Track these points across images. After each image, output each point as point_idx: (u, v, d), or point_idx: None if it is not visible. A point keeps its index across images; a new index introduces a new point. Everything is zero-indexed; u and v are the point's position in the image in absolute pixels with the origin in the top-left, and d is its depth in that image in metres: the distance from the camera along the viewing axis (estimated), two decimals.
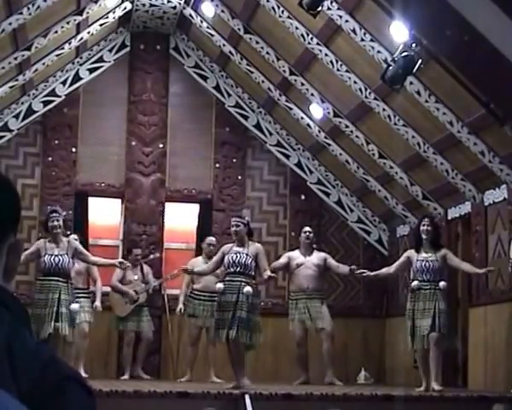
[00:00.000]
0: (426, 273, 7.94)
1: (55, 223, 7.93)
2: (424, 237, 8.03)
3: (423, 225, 8.10)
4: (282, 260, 9.52)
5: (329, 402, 6.75)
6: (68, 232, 8.67)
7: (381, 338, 11.12)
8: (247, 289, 7.56)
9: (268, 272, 7.72)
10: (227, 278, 7.71)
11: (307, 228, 9.68)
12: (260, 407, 6.58)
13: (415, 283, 7.98)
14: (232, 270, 7.68)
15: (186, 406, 6.68)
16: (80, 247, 8.21)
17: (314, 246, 9.58)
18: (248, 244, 7.82)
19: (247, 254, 7.70)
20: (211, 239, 9.89)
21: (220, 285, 7.71)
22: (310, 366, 9.49)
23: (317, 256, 9.49)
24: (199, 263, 9.50)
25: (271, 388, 7.42)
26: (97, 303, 9.59)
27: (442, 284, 7.93)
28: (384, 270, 8.65)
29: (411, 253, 8.18)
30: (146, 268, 10.22)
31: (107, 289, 10.07)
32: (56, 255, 7.86)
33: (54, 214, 7.99)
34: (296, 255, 9.48)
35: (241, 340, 7.53)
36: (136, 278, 10.00)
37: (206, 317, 9.42)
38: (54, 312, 7.66)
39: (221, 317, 7.61)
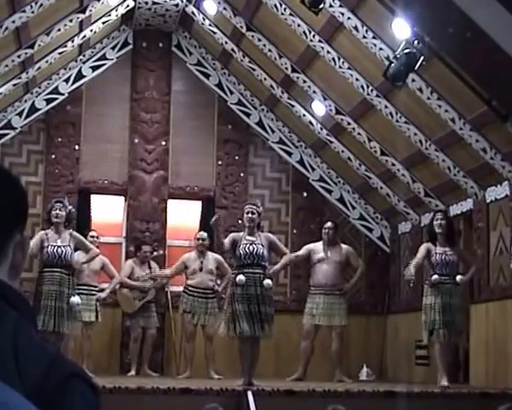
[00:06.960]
0: (446, 267, 7.86)
1: (58, 211, 7.92)
2: (439, 231, 7.95)
3: (436, 219, 8.02)
4: (302, 251, 9.37)
5: (331, 399, 6.76)
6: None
7: (383, 335, 11.13)
8: (268, 281, 7.33)
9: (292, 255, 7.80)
10: (245, 270, 7.37)
11: (328, 224, 9.56)
12: (263, 403, 6.59)
13: (435, 277, 7.85)
14: (249, 261, 7.41)
15: (189, 402, 6.69)
16: (83, 239, 8.23)
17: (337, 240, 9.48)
18: (259, 234, 7.63)
19: (262, 245, 7.47)
20: (201, 234, 9.85)
21: (242, 277, 7.31)
22: (314, 363, 9.47)
23: (339, 252, 9.38)
24: (192, 258, 9.59)
25: (274, 384, 7.43)
26: (102, 294, 9.59)
27: (459, 277, 7.90)
28: (415, 261, 8.12)
29: (429, 245, 8.03)
30: (153, 265, 10.23)
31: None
32: (59, 246, 7.82)
33: (58, 204, 8.02)
34: (318, 249, 9.37)
35: (266, 335, 7.36)
36: (144, 274, 10.01)
37: (201, 314, 9.43)
38: (54, 306, 7.64)
39: (246, 310, 7.25)
